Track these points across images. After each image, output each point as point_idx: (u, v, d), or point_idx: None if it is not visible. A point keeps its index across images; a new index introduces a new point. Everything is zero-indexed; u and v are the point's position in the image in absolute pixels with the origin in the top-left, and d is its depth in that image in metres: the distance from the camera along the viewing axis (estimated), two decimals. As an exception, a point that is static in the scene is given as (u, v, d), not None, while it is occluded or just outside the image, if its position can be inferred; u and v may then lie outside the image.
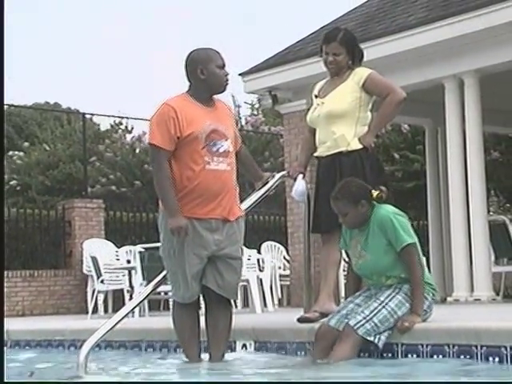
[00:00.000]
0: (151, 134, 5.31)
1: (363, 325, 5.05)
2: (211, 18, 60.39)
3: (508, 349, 4.71)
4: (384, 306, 5.14)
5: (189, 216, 5.22)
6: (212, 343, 5.45)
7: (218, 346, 5.42)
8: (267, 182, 5.98)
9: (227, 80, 5.46)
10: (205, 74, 5.32)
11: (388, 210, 5.29)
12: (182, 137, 5.22)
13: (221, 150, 5.31)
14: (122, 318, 5.63)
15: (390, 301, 5.17)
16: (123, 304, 6.47)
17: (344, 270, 7.30)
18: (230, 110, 5.61)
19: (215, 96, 5.47)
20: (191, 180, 5.24)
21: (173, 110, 5.23)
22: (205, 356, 5.49)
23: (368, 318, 5.08)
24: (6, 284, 13.74)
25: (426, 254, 11.34)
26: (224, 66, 5.41)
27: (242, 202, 5.88)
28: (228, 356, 5.59)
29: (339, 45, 5.99)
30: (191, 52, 5.43)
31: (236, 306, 11.80)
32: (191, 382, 2.24)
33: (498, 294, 10.45)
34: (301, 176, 6.22)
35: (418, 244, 5.30)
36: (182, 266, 5.27)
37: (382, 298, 5.19)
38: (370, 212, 5.27)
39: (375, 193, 5.31)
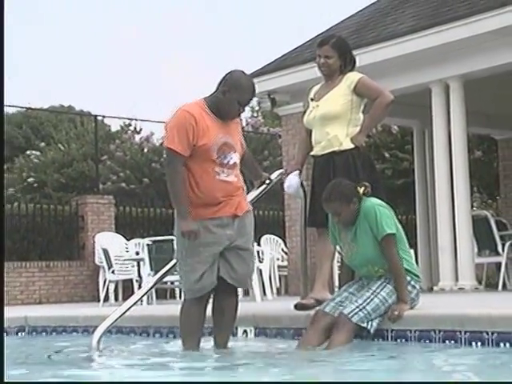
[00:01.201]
0: (169, 139, 5.12)
1: (357, 313, 5.06)
2: (218, 23, 60.32)
3: (490, 334, 4.72)
4: (376, 296, 5.14)
5: (200, 218, 5.14)
6: (217, 330, 5.39)
7: (222, 334, 5.36)
8: (265, 182, 5.95)
9: (237, 115, 5.31)
10: (226, 97, 5.14)
11: (373, 201, 5.28)
12: (198, 145, 5.08)
13: (231, 163, 5.20)
14: (132, 305, 5.65)
15: (381, 290, 5.17)
16: (132, 293, 6.48)
17: (338, 262, 7.31)
18: (238, 123, 5.44)
19: None
20: (201, 188, 5.14)
21: (193, 118, 5.07)
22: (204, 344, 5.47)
23: (361, 306, 5.08)
24: (24, 274, 13.78)
25: (414, 247, 11.35)
26: (245, 104, 5.24)
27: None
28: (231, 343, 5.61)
29: (331, 48, 5.98)
30: (237, 71, 5.23)
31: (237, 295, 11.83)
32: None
33: (480, 283, 10.45)
34: (295, 172, 6.20)
35: (402, 234, 5.29)
36: (194, 263, 5.15)
37: (373, 288, 5.19)
38: (358, 207, 5.27)
39: (361, 189, 5.30)
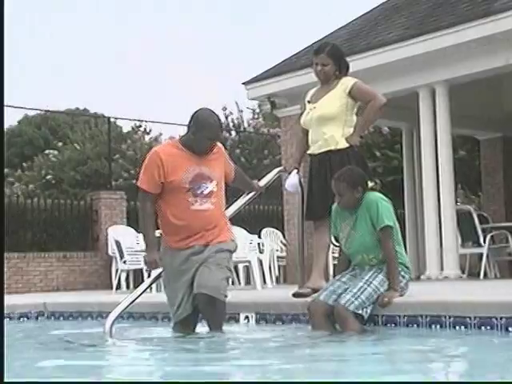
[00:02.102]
0: (140, 178, 5.26)
1: (353, 302, 5.05)
2: (221, 32, 60.33)
3: (472, 318, 4.73)
4: (369, 285, 5.13)
5: (177, 247, 5.19)
6: (209, 326, 5.33)
7: (215, 328, 5.28)
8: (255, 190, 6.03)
9: (209, 150, 5.26)
10: (195, 136, 5.19)
11: (376, 195, 5.28)
12: (166, 182, 5.14)
13: (205, 192, 5.20)
14: (142, 293, 5.64)
15: (373, 280, 5.16)
16: (142, 281, 6.48)
17: (333, 252, 7.31)
18: (219, 154, 5.37)
19: None
20: (177, 218, 5.18)
21: (159, 159, 5.14)
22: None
23: (356, 295, 5.08)
24: (43, 264, 13.78)
25: (403, 238, 11.32)
26: (214, 139, 5.24)
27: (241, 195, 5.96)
28: (232, 328, 5.61)
29: (327, 56, 5.97)
30: (199, 110, 5.25)
31: (239, 283, 11.83)
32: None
33: (463, 273, 10.47)
34: (295, 171, 6.22)
35: (397, 229, 5.30)
36: (172, 289, 5.27)
37: (366, 277, 5.18)
38: (361, 198, 5.26)
39: (371, 183, 5.33)
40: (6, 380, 1.76)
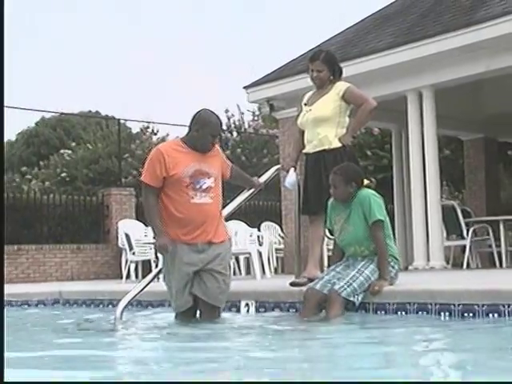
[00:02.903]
0: (143, 173, 5.27)
1: (345, 289, 5.05)
2: (224, 37, 60.27)
3: (456, 305, 4.73)
4: (361, 274, 5.14)
5: (179, 240, 5.19)
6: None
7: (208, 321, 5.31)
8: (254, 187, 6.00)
9: (210, 147, 5.32)
10: (198, 133, 5.23)
11: (368, 191, 5.29)
12: (168, 176, 5.15)
13: (204, 187, 5.22)
14: (149, 282, 5.64)
15: (365, 269, 5.17)
16: (150, 271, 6.48)
17: (327, 245, 7.31)
18: (217, 154, 5.44)
19: None
20: (178, 211, 5.18)
21: (161, 155, 5.17)
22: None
23: (348, 283, 5.08)
24: (58, 255, 13.79)
25: (392, 232, 11.32)
26: (216, 136, 5.31)
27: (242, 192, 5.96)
28: (233, 316, 5.61)
29: (322, 63, 5.97)
30: (201, 110, 5.31)
31: (240, 273, 11.84)
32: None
33: (448, 263, 10.46)
34: (292, 169, 6.21)
35: (388, 223, 5.30)
36: (173, 280, 5.24)
37: (358, 267, 5.19)
38: (355, 193, 5.26)
39: (366, 181, 5.34)
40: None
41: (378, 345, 4.18)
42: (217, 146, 5.46)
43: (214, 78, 54.41)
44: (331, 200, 5.43)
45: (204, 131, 5.22)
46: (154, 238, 5.31)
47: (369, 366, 3.48)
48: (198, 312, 5.34)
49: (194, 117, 5.29)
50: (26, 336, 5.17)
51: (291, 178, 6.20)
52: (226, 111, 23.18)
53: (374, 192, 5.31)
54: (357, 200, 5.25)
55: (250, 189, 6.04)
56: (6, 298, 7.60)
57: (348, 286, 5.07)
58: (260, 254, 10.51)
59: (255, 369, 3.39)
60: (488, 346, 3.88)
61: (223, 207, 5.62)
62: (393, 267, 5.29)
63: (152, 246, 11.33)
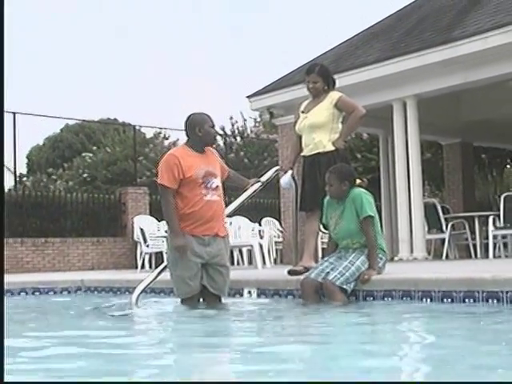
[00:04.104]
0: (160, 176, 5.20)
1: (339, 278, 5.05)
2: (230, 47, 60.18)
3: (436, 292, 4.73)
4: (352, 264, 5.13)
5: (189, 233, 5.17)
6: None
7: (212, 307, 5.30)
8: (255, 183, 5.96)
9: (216, 136, 5.41)
10: (201, 132, 5.23)
11: (360, 190, 5.28)
12: (184, 178, 5.13)
13: (213, 186, 5.23)
14: (161, 271, 5.63)
15: (356, 260, 5.16)
16: (162, 262, 6.47)
17: (322, 238, 7.30)
18: (216, 154, 5.48)
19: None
20: (192, 207, 5.16)
21: (177, 159, 5.15)
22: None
23: (341, 272, 5.08)
24: (80, 247, 13.80)
25: (380, 226, 11.31)
26: (214, 126, 5.32)
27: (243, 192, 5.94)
28: (235, 300, 5.61)
29: (317, 75, 5.97)
30: (190, 115, 5.31)
31: (243, 264, 11.83)
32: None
33: (429, 254, 10.47)
34: (290, 172, 6.21)
35: (377, 218, 5.30)
36: (182, 269, 5.19)
37: (350, 258, 5.18)
38: (348, 191, 5.26)
39: (358, 180, 5.33)
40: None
41: (366, 325, 4.21)
42: (214, 151, 5.47)
43: (221, 88, 54.42)
44: (327, 198, 5.43)
45: (205, 127, 5.23)
46: (166, 231, 5.29)
47: (358, 340, 3.53)
48: (202, 298, 5.33)
49: (189, 123, 5.28)
50: (52, 319, 5.17)
51: (286, 178, 6.20)
52: (231, 118, 23.18)
53: (365, 191, 5.30)
54: (350, 198, 5.24)
55: (252, 187, 5.99)
56: (34, 286, 7.64)
57: (341, 276, 5.06)
58: (261, 246, 10.50)
59: (258, 341, 3.42)
60: (463, 327, 3.89)
61: (225, 205, 5.61)
62: (381, 258, 5.28)
63: (164, 239, 11.36)
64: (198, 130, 5.23)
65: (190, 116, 5.32)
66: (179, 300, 5.34)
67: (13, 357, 2.91)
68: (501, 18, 9.17)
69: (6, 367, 1.82)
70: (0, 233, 7.91)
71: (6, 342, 3.06)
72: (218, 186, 5.28)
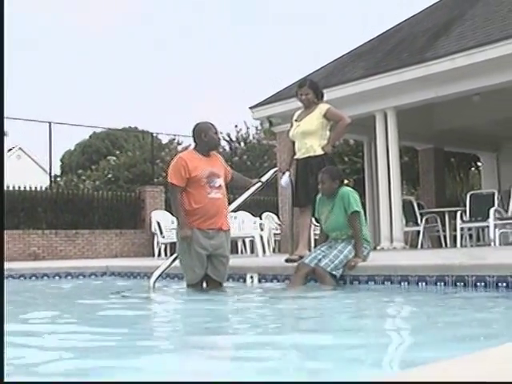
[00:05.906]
0: (170, 176, 5.19)
1: (329, 265, 5.05)
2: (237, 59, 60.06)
3: (413, 276, 4.72)
4: (341, 253, 5.12)
5: (196, 227, 5.16)
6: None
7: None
8: (257, 182, 5.95)
9: (219, 141, 5.39)
10: (206, 138, 5.22)
11: (348, 189, 5.28)
12: (190, 177, 5.12)
13: (216, 185, 5.20)
14: (175, 259, 5.62)
15: (344, 249, 5.15)
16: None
17: (314, 230, 7.28)
18: (220, 158, 5.47)
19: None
20: (198, 203, 5.14)
21: (184, 161, 5.14)
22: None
23: (331, 260, 5.07)
24: (106, 238, 13.80)
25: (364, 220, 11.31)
26: (217, 133, 5.31)
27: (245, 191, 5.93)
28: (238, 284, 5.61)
29: (308, 88, 5.96)
30: (197, 124, 5.30)
31: (246, 252, 11.82)
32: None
33: (407, 244, 10.44)
34: (288, 173, 6.20)
35: (362, 213, 5.29)
36: (190, 259, 5.18)
37: (339, 248, 5.17)
38: (337, 189, 5.25)
39: (346, 181, 5.35)
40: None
41: (352, 304, 4.22)
42: (219, 155, 5.46)
43: (227, 100, 54.41)
44: (319, 195, 5.42)
45: (209, 134, 5.22)
46: (179, 228, 5.28)
47: (345, 316, 3.56)
48: (205, 284, 5.31)
49: (195, 130, 5.28)
50: (80, 299, 5.17)
51: (285, 179, 6.19)
52: (236, 126, 23.19)
53: (352, 189, 5.30)
54: (339, 195, 5.23)
55: (253, 186, 5.99)
56: (67, 271, 7.63)
57: (331, 263, 5.06)
58: (261, 237, 10.50)
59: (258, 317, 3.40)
60: (435, 304, 3.92)
61: (229, 203, 5.59)
62: (365, 248, 5.27)
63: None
64: (204, 136, 5.22)
65: (196, 124, 5.31)
66: (185, 284, 5.33)
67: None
68: (465, 42, 9.23)
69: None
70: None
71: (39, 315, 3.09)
72: (220, 185, 5.25)
